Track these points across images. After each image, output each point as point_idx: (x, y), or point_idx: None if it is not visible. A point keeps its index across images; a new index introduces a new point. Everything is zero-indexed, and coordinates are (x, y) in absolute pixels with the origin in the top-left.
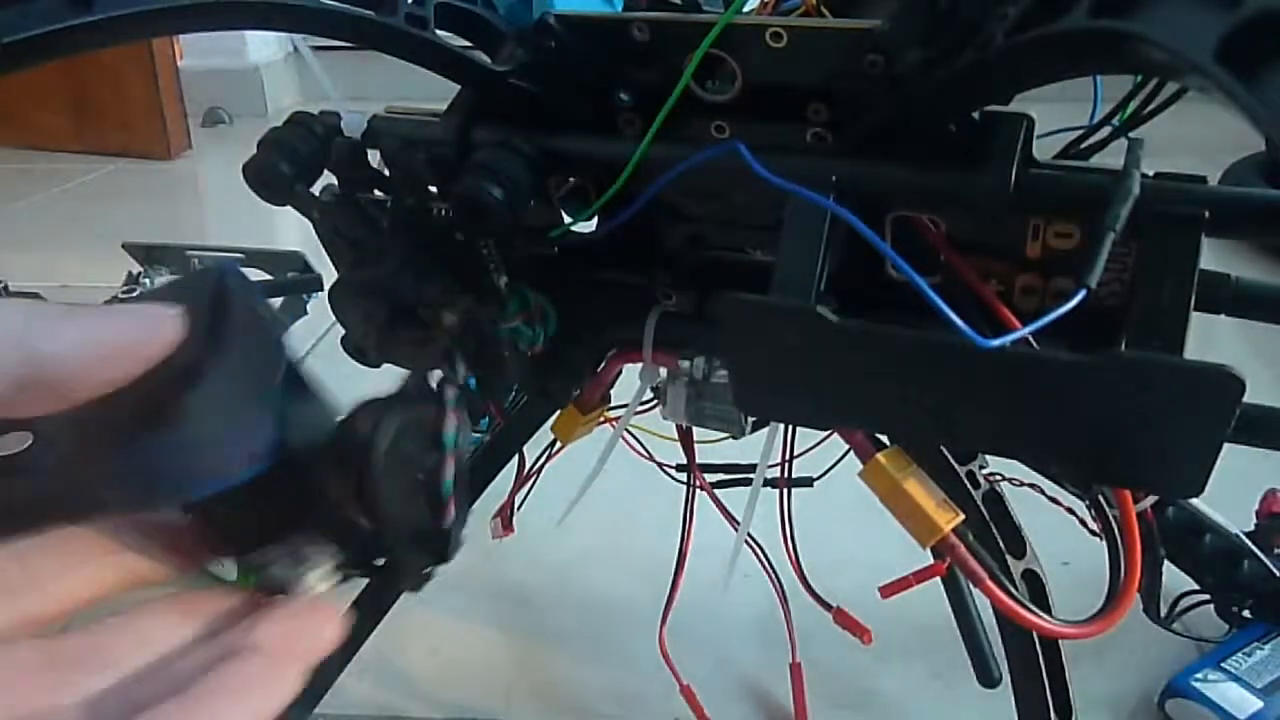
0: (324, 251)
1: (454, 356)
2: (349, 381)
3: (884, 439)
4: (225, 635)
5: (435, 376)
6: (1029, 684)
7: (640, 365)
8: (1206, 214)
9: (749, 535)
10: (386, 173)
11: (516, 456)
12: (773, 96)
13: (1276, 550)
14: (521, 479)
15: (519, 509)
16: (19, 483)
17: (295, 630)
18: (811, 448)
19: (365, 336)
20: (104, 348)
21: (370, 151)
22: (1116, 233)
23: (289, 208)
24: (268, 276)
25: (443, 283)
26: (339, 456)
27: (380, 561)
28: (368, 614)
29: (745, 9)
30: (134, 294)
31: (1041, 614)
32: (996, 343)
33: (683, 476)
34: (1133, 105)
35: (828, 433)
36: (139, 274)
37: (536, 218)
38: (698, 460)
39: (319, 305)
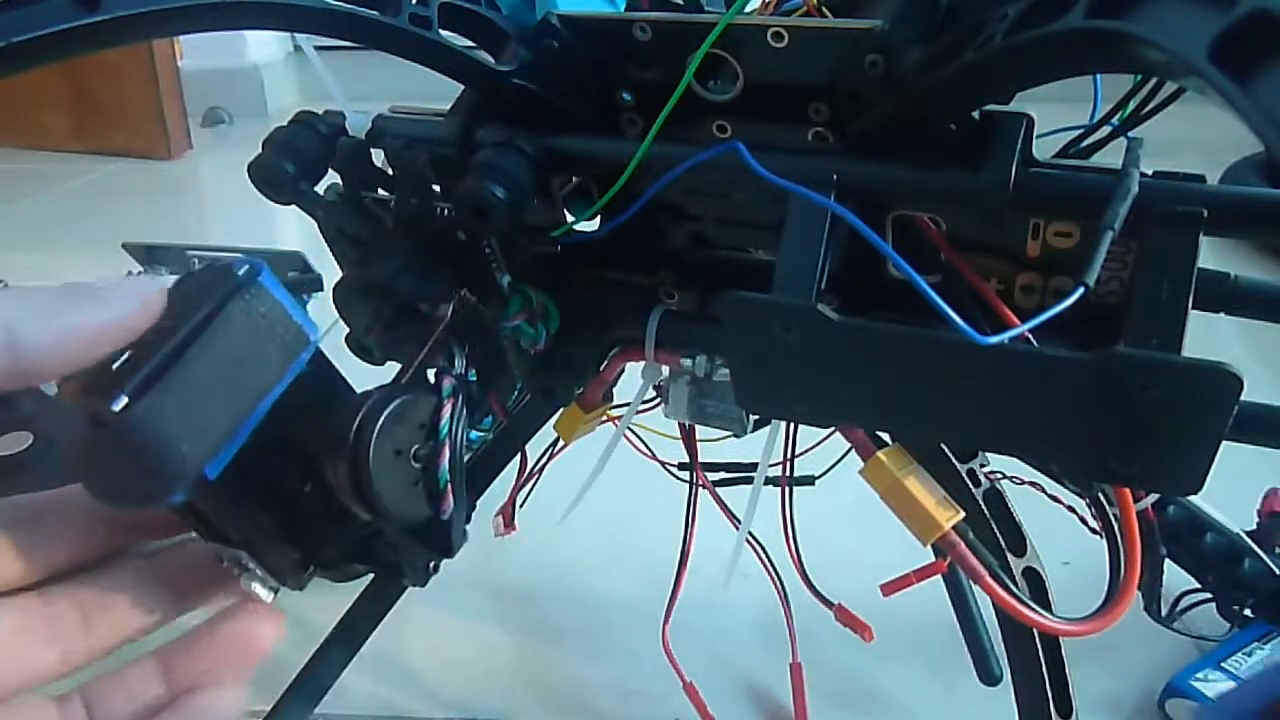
0: (328, 250)
1: (450, 348)
2: (352, 379)
3: (885, 437)
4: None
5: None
6: (1029, 681)
7: (643, 364)
8: (1205, 213)
9: (750, 534)
10: (390, 172)
11: (518, 455)
12: (774, 96)
13: (1278, 549)
14: (523, 477)
15: (520, 507)
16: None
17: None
18: (813, 446)
19: (369, 334)
20: (83, 332)
21: (374, 151)
22: (1115, 231)
23: (289, 208)
24: None
25: (445, 281)
26: (333, 443)
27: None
28: (369, 612)
29: (747, 9)
30: None
31: (1042, 611)
32: (994, 339)
33: (685, 475)
34: (1132, 104)
35: (829, 431)
36: (139, 274)
37: (539, 217)
38: (700, 459)
39: (318, 305)
